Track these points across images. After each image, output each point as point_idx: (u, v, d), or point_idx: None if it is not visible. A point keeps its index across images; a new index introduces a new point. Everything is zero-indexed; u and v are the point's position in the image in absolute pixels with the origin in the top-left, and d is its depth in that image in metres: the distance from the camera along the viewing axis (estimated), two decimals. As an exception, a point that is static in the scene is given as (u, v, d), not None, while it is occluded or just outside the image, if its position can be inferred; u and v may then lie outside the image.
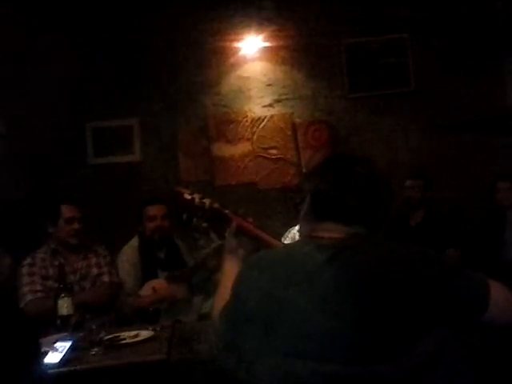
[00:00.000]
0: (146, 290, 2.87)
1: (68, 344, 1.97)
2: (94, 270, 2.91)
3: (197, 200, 1.96)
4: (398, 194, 3.49)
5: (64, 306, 2.27)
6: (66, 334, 2.16)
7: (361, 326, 1.07)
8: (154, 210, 3.07)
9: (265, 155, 4.23)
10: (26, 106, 4.00)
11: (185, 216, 2.07)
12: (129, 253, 3.04)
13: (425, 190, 3.49)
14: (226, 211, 1.86)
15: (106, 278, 2.91)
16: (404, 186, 3.51)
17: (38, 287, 2.70)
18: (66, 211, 2.85)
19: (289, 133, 4.24)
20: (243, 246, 1.74)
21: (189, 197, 1.95)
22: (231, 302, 1.26)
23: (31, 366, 1.37)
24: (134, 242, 3.10)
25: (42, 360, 1.52)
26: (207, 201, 1.99)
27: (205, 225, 2.08)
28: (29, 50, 4.06)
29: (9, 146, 4.04)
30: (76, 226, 2.85)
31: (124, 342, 2.07)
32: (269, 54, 4.31)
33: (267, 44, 4.28)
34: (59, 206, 2.85)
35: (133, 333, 2.18)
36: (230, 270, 1.51)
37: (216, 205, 1.96)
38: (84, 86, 4.18)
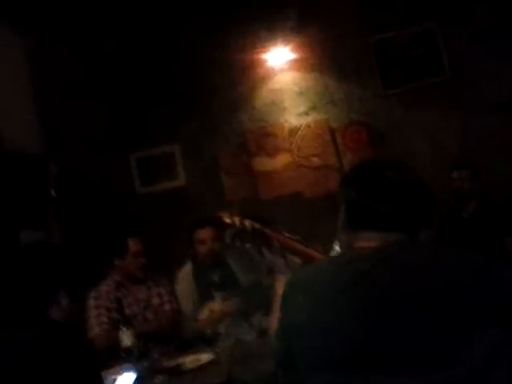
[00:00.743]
0: (204, 313, 2.91)
1: (134, 375, 2.04)
2: (156, 300, 2.98)
3: (237, 223, 2.01)
4: (447, 187, 3.42)
5: (125, 338, 2.35)
6: (130, 364, 2.23)
7: (407, 334, 1.06)
8: (203, 234, 3.10)
9: (306, 164, 4.23)
10: (71, 142, 4.20)
11: (228, 239, 2.14)
12: (184, 278, 3.09)
13: (473, 179, 3.38)
14: (267, 231, 1.89)
15: (167, 307, 2.97)
16: (451, 178, 3.41)
17: (104, 319, 2.80)
18: (133, 245, 2.95)
19: (327, 138, 4.22)
20: (290, 263, 1.77)
21: (229, 220, 2.01)
22: (280, 322, 1.28)
23: None
24: (188, 266, 3.15)
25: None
26: (247, 222, 2.05)
27: (248, 245, 2.13)
28: (70, 85, 4.26)
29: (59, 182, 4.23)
30: (142, 259, 2.94)
31: (185, 368, 2.12)
32: (297, 63, 4.32)
33: (294, 53, 4.29)
34: (126, 240, 2.95)
35: (193, 357, 2.22)
36: (281, 289, 1.52)
37: (257, 225, 2.00)
38: (123, 119, 4.33)
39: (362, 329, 1.10)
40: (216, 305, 2.93)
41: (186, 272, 3.13)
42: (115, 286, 2.93)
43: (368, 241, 1.19)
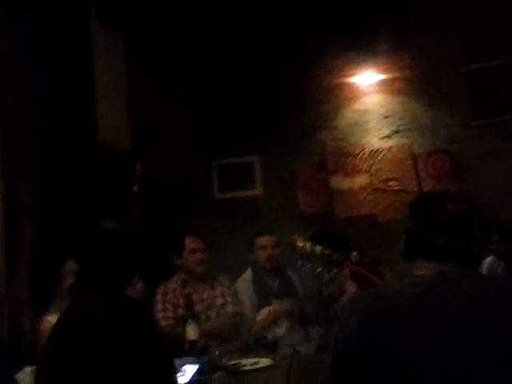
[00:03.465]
0: (262, 315, 2.96)
1: (195, 367, 2.12)
2: (219, 300, 3.05)
3: (308, 247, 2.11)
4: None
5: (192, 332, 2.44)
6: (192, 357, 2.31)
7: (457, 364, 1.05)
8: (264, 240, 3.18)
9: (384, 187, 4.20)
10: (158, 146, 4.43)
11: (299, 263, 2.24)
12: (243, 285, 3.16)
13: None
14: (337, 257, 1.97)
15: (229, 308, 3.03)
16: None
17: (170, 314, 2.91)
18: (190, 243, 3.07)
19: (408, 163, 4.17)
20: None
21: (301, 244, 2.11)
22: (333, 349, 1.27)
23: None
24: (248, 274, 3.22)
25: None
26: (318, 248, 2.14)
27: (319, 269, 2.20)
28: (163, 91, 4.50)
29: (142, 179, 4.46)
30: (200, 255, 3.04)
31: (245, 368, 2.17)
32: (385, 85, 4.31)
33: (384, 76, 4.29)
34: (183, 239, 3.08)
35: (253, 360, 2.27)
36: None
37: (327, 251, 2.09)
38: (210, 127, 4.50)
39: (422, 347, 1.09)
40: (270, 307, 2.97)
41: (245, 279, 3.20)
42: (181, 283, 3.03)
43: (422, 269, 1.21)
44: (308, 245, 2.31)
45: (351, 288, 1.86)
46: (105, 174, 4.04)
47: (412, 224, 1.25)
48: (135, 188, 4.45)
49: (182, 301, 2.95)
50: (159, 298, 2.96)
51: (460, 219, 1.21)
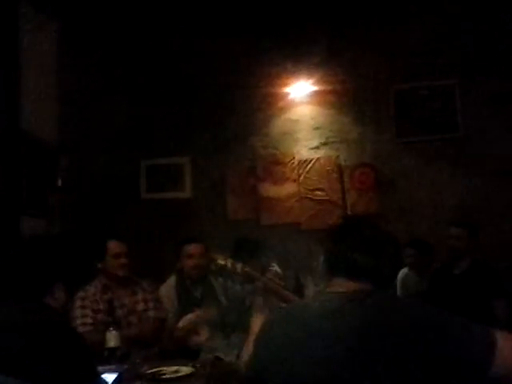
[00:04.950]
0: (184, 322, 2.95)
1: (113, 376, 2.08)
2: (141, 306, 2.99)
3: (229, 265, 2.19)
4: (443, 241, 3.48)
5: (112, 339, 2.39)
6: (112, 365, 2.27)
7: (362, 375, 1.17)
8: (192, 249, 3.14)
9: (310, 196, 4.32)
10: (87, 139, 4.31)
11: (220, 279, 2.30)
12: (167, 292, 3.13)
13: (469, 237, 3.42)
14: (255, 275, 2.10)
15: (151, 314, 2.98)
16: (448, 234, 3.47)
17: (89, 320, 2.81)
18: (113, 247, 2.99)
19: (335, 175, 4.31)
20: (269, 304, 1.99)
21: (222, 262, 2.18)
22: (253, 356, 1.43)
23: None
24: (171, 280, 3.19)
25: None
26: (239, 266, 2.24)
27: (238, 287, 2.29)
28: (88, 90, 4.37)
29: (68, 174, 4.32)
30: (123, 260, 2.97)
31: (164, 376, 2.16)
32: (317, 97, 4.43)
33: (316, 88, 4.41)
34: (106, 242, 3.00)
35: (173, 368, 2.26)
36: (257, 326, 1.72)
37: (247, 269, 2.19)
38: (140, 126, 4.43)
39: (327, 367, 1.22)
40: (191, 315, 2.97)
41: (169, 285, 3.17)
42: (102, 288, 2.95)
43: (340, 286, 1.37)
44: (229, 263, 2.41)
45: (259, 301, 2.02)
46: (27, 167, 3.88)
47: (331, 245, 1.42)
48: (59, 183, 4.30)
49: (102, 306, 2.86)
50: (78, 303, 2.85)
51: (372, 241, 1.39)
